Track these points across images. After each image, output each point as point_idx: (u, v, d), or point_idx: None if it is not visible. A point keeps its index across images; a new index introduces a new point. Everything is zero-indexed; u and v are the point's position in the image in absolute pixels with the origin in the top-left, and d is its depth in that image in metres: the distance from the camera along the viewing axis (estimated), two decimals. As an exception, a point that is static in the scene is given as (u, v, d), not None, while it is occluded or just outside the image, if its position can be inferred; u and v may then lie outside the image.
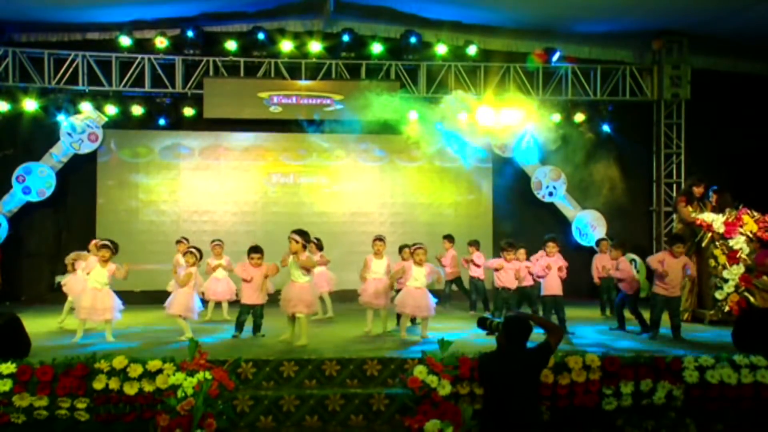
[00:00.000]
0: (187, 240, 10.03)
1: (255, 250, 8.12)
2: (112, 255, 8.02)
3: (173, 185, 12.35)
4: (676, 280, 8.18)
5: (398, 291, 8.30)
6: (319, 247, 9.70)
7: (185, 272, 8.01)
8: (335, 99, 11.92)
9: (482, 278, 10.46)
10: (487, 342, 7.02)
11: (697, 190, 9.70)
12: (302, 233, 7.57)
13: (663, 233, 12.58)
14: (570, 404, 6.17)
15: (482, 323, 5.10)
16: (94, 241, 9.28)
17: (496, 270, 8.99)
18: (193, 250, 8.23)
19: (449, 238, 10.97)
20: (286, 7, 11.70)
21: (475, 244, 10.73)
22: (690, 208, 9.58)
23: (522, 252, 9.16)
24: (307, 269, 7.51)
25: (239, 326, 8.02)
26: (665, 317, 8.26)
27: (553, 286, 8.43)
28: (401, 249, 8.96)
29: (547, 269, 8.38)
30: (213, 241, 9.99)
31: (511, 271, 8.76)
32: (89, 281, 7.94)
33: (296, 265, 7.47)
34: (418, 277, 7.99)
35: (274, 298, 8.18)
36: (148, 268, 11.15)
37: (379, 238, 8.76)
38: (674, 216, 10.34)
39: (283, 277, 7.95)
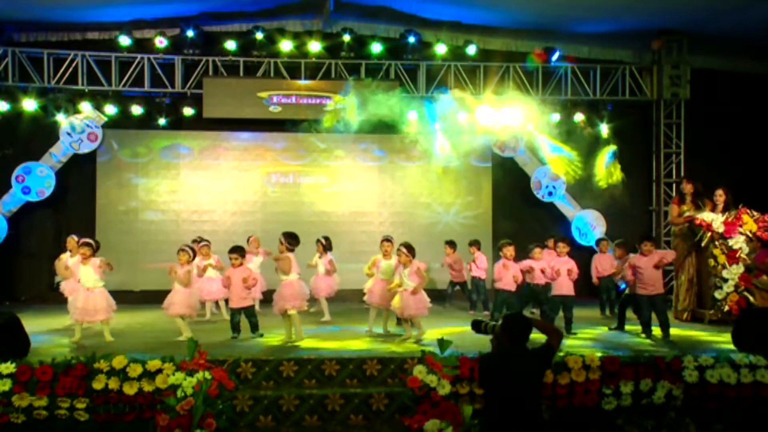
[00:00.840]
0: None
1: (233, 250, 8.11)
2: (93, 252, 8.00)
3: (173, 185, 12.34)
4: (653, 278, 8.14)
5: None
6: (327, 247, 9.65)
7: (183, 270, 7.99)
8: (334, 99, 11.91)
9: (483, 278, 10.47)
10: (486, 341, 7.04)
11: (684, 187, 9.76)
12: (288, 236, 7.75)
13: (662, 233, 12.59)
14: (570, 404, 6.17)
15: (476, 326, 5.04)
16: (69, 238, 9.27)
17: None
18: (186, 248, 8.22)
19: (451, 243, 10.92)
20: (285, 7, 11.69)
21: (475, 243, 10.74)
22: (684, 207, 9.62)
23: (537, 251, 8.95)
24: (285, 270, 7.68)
25: (235, 328, 8.00)
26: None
27: (563, 286, 8.41)
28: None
29: (556, 274, 8.38)
30: (199, 242, 9.85)
31: (509, 274, 8.59)
32: (82, 282, 7.91)
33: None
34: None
35: (270, 299, 8.18)
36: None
37: (387, 239, 8.68)
38: (674, 216, 10.37)
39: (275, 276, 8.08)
